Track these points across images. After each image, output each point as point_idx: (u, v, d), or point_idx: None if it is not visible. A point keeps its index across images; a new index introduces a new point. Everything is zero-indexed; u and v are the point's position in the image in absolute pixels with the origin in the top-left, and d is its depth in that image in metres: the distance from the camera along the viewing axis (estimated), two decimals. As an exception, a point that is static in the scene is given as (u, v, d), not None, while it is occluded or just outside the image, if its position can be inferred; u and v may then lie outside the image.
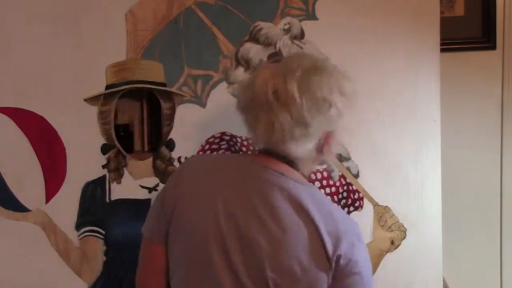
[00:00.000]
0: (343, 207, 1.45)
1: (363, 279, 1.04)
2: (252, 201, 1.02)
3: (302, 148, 1.03)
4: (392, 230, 1.45)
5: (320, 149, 1.05)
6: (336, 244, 1.01)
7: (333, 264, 1.00)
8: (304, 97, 0.99)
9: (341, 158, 1.45)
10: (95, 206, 1.45)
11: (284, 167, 1.05)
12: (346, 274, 1.02)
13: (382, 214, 1.45)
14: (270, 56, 1.43)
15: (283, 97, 0.99)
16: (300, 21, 1.44)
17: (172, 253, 1.09)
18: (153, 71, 1.44)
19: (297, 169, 1.07)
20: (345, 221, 1.07)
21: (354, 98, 1.05)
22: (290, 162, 1.06)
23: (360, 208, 1.45)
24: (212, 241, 1.02)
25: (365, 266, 1.05)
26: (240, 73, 1.44)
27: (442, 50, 1.45)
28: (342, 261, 1.01)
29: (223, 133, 1.44)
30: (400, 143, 1.45)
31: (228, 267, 1.02)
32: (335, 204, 1.09)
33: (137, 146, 1.62)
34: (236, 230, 1.02)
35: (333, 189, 1.44)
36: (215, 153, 1.40)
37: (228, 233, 1.02)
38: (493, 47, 1.83)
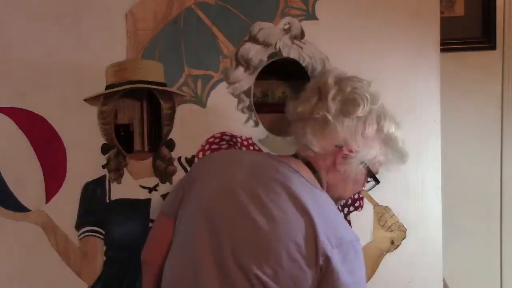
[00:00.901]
0: (343, 207, 1.45)
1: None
2: (255, 189, 1.05)
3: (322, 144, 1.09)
4: (392, 230, 1.45)
5: (333, 161, 1.10)
6: (330, 247, 0.99)
7: (320, 265, 0.99)
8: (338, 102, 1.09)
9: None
10: (95, 206, 1.45)
11: (301, 166, 1.10)
12: (329, 280, 1.00)
13: (382, 214, 1.45)
14: (270, 56, 1.43)
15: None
16: (300, 21, 1.44)
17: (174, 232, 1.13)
18: (153, 71, 1.44)
19: (317, 176, 1.11)
20: (346, 230, 1.06)
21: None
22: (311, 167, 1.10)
23: (360, 208, 1.45)
24: (203, 224, 1.05)
25: (353, 278, 1.02)
26: (240, 73, 1.43)
27: (442, 50, 1.45)
28: (330, 265, 0.99)
29: (223, 133, 1.44)
30: (400, 143, 1.45)
31: (213, 251, 1.03)
32: (341, 214, 1.11)
33: (137, 146, 1.62)
34: (227, 215, 1.04)
35: (333, 189, 1.44)
36: (215, 153, 1.40)
37: (221, 216, 1.05)
38: (493, 47, 1.83)
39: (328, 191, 1.12)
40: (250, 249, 1.01)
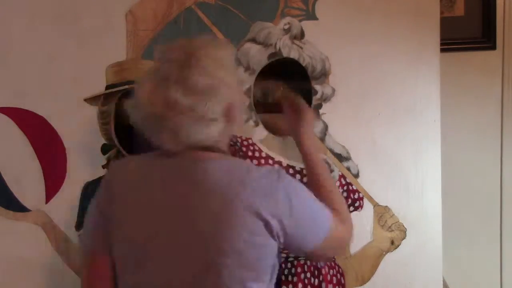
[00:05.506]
0: (343, 207, 1.45)
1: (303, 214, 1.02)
2: (188, 196, 1.03)
3: (211, 133, 1.03)
4: (392, 230, 1.45)
5: (228, 120, 1.05)
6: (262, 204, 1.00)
7: (269, 224, 0.99)
8: (189, 97, 1.00)
9: (341, 158, 1.45)
10: (95, 206, 1.44)
11: (206, 154, 1.06)
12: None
13: (382, 214, 1.45)
14: (270, 56, 1.43)
15: (172, 105, 1.01)
16: (300, 21, 1.44)
17: (118, 260, 1.08)
18: (153, 71, 1.44)
19: (218, 150, 1.08)
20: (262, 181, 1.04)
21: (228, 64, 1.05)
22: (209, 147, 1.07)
23: (360, 208, 1.45)
24: (158, 239, 1.03)
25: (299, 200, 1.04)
26: (240, 73, 1.43)
27: (442, 50, 1.45)
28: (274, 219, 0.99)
29: (223, 133, 1.44)
30: (400, 143, 1.45)
31: (179, 261, 1.02)
32: (254, 167, 1.08)
33: (137, 146, 1.62)
34: (181, 227, 1.02)
35: (333, 189, 1.44)
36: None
37: (175, 230, 1.02)
38: (493, 47, 1.83)
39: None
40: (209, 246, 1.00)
